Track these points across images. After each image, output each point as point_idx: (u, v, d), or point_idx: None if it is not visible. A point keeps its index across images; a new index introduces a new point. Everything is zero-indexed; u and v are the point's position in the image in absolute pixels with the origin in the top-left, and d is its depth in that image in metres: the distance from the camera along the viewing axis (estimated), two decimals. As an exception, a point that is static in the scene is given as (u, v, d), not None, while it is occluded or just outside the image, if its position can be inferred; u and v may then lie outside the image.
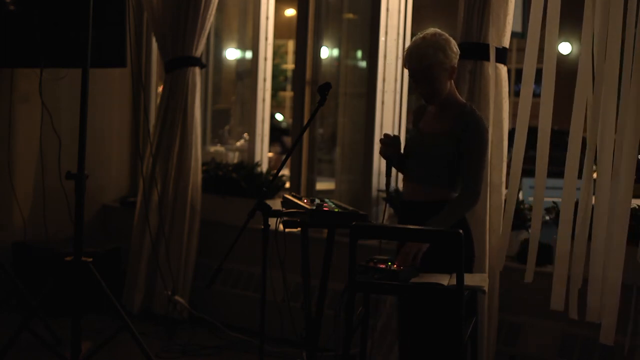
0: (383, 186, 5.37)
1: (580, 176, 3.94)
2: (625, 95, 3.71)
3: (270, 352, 4.82)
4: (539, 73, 4.00)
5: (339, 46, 5.96)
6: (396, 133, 5.40)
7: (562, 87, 4.21)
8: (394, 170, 3.72)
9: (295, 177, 5.81)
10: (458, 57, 3.54)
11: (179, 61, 5.70)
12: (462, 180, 3.49)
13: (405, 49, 3.56)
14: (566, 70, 5.23)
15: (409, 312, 3.57)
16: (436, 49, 3.45)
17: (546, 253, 4.35)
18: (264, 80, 6.09)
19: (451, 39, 3.54)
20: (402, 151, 3.67)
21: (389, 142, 3.61)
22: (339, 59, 5.98)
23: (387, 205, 5.27)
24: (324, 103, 3.63)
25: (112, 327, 4.40)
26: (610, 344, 3.78)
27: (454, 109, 3.55)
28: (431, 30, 3.54)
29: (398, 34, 5.40)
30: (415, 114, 3.74)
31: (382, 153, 3.63)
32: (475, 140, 3.48)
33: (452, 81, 3.57)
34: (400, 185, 5.16)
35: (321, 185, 6.19)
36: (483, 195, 4.10)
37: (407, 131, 5.63)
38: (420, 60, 3.47)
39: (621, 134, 3.71)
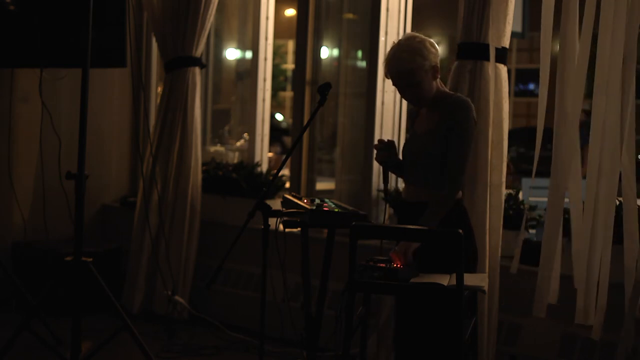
0: (383, 186, 5.36)
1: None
2: (611, 95, 3.73)
3: (270, 352, 4.82)
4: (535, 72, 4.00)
5: (339, 46, 5.96)
6: (396, 133, 5.40)
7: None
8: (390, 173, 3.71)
9: (295, 177, 5.81)
10: (438, 54, 3.47)
11: (179, 61, 5.70)
12: (447, 170, 3.40)
13: (384, 60, 3.51)
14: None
15: (407, 312, 3.57)
16: (411, 52, 3.39)
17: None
18: (264, 80, 6.09)
19: (426, 38, 3.46)
20: (397, 155, 3.65)
21: (382, 147, 3.60)
22: (339, 59, 5.98)
23: (388, 205, 5.29)
24: (324, 103, 3.63)
25: (112, 327, 4.40)
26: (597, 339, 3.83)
27: (442, 105, 3.49)
28: (406, 34, 3.50)
29: (398, 34, 5.40)
30: (410, 115, 3.72)
31: (377, 158, 3.63)
32: (456, 124, 3.39)
33: (439, 79, 3.51)
34: (400, 186, 5.16)
35: (321, 185, 6.19)
36: (483, 195, 4.11)
37: (407, 131, 5.62)
38: (398, 68, 3.41)
39: (606, 133, 3.74)
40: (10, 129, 5.89)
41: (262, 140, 6.12)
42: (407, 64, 3.39)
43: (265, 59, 6.09)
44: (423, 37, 3.47)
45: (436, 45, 3.48)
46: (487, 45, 4.17)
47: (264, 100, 6.10)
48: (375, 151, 3.62)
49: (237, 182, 5.83)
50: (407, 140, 3.67)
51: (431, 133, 3.48)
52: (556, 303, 3.98)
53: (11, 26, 5.12)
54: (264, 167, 6.02)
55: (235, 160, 6.98)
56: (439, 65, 3.48)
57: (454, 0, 4.35)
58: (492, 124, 4.20)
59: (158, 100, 6.11)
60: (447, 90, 3.58)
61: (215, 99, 8.03)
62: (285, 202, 3.83)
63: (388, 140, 3.62)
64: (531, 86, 22.43)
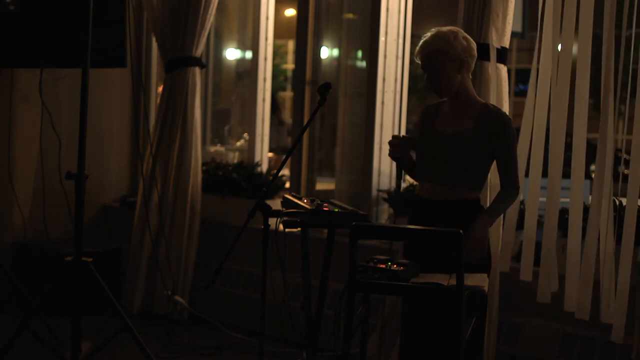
0: (383, 186, 5.37)
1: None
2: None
3: (270, 352, 4.82)
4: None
5: (339, 46, 5.96)
6: (395, 133, 5.39)
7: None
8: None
9: (295, 177, 5.81)
10: (472, 51, 3.53)
11: (179, 61, 5.70)
12: (502, 178, 3.57)
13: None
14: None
15: (413, 314, 3.56)
16: (439, 37, 3.49)
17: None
18: (264, 80, 6.09)
19: (463, 33, 3.54)
20: (413, 152, 3.65)
21: (397, 142, 3.60)
22: (339, 59, 5.98)
23: (389, 205, 5.29)
24: (324, 103, 3.62)
25: (112, 327, 4.40)
26: (619, 342, 3.83)
27: (475, 107, 3.53)
28: (447, 27, 3.59)
29: (398, 34, 5.40)
30: (426, 115, 3.66)
31: (391, 155, 3.61)
32: (508, 139, 3.52)
33: (469, 79, 3.56)
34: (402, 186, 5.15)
35: (321, 185, 6.19)
36: (483, 195, 4.12)
37: (408, 131, 5.63)
38: (424, 49, 3.52)
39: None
40: (10, 129, 5.89)
41: (262, 140, 6.12)
42: (430, 46, 3.50)
43: (265, 59, 6.09)
44: (461, 31, 3.56)
45: (472, 43, 3.54)
46: (487, 45, 4.17)
47: (264, 100, 6.10)
48: (390, 148, 3.62)
49: (237, 182, 5.83)
50: (430, 138, 3.61)
51: (467, 134, 3.50)
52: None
53: (11, 26, 5.12)
54: (264, 167, 6.02)
55: (235, 160, 6.98)
56: (470, 62, 3.53)
57: (454, 0, 4.36)
58: (492, 124, 4.19)
59: (158, 100, 6.11)
60: (476, 95, 3.61)
61: (215, 99, 8.04)
62: (285, 202, 3.83)
63: (403, 136, 3.64)
64: (531, 86, 22.39)
